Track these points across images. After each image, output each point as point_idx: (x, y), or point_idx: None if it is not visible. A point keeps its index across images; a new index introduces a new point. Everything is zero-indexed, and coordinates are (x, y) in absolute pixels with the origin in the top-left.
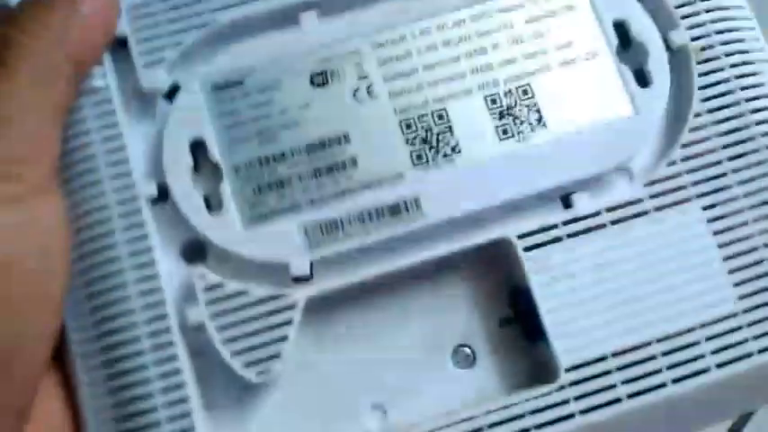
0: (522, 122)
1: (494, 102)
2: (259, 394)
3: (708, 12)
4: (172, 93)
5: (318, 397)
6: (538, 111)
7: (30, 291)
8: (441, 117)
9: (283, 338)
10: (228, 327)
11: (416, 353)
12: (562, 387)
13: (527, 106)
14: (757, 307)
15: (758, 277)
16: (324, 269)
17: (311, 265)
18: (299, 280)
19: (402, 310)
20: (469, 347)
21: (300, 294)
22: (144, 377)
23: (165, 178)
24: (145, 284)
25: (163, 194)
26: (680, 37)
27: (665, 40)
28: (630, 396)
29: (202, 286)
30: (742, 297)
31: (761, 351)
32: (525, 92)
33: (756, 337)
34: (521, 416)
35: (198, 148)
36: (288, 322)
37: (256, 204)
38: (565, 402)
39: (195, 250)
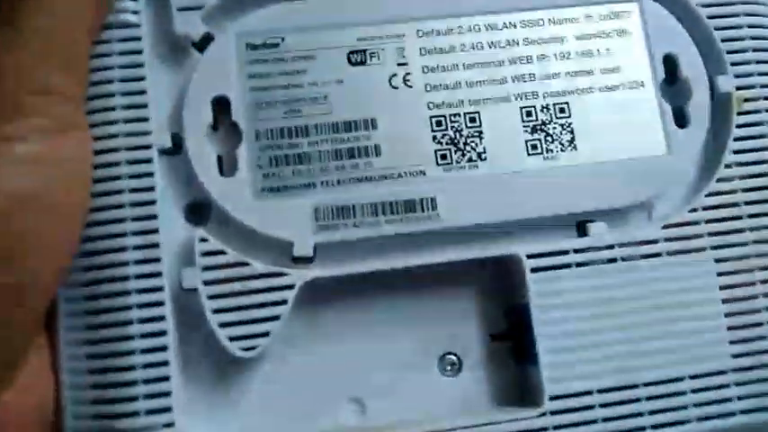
0: (553, 141)
1: (529, 114)
2: (238, 373)
3: (758, 63)
4: (204, 43)
5: (299, 384)
6: (571, 132)
7: (49, 226)
8: (473, 120)
9: (275, 318)
10: (222, 296)
11: (405, 354)
12: (543, 414)
13: (561, 125)
14: (748, 368)
15: (755, 339)
16: (326, 254)
17: (315, 247)
18: (299, 261)
19: (397, 309)
20: (456, 356)
21: (300, 275)
22: (126, 333)
23: (181, 130)
24: (143, 238)
25: (176, 147)
26: (727, 83)
27: (711, 84)
28: None
29: (202, 250)
30: (735, 356)
31: (743, 412)
32: (562, 110)
33: (741, 398)
34: None
35: (220, 105)
36: (283, 302)
37: (271, 175)
38: (543, 430)
39: (198, 211)
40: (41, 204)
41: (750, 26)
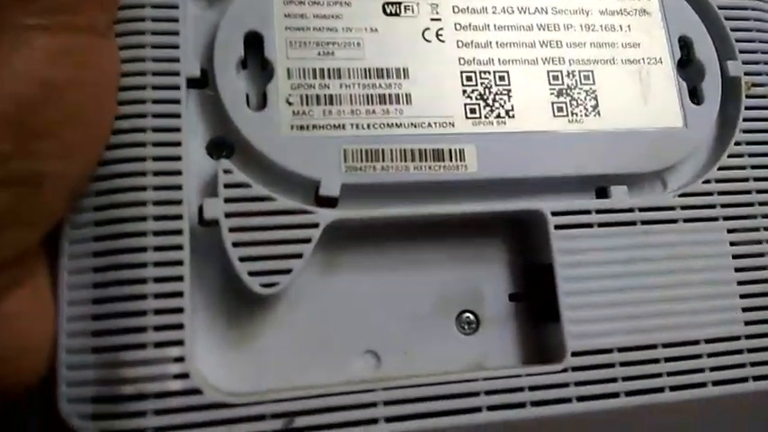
0: (578, 105)
1: (555, 78)
2: (254, 314)
3: (764, 53)
4: None
5: (315, 331)
6: (595, 98)
7: (77, 123)
8: (502, 78)
9: (298, 255)
10: (244, 230)
11: (423, 308)
12: (565, 370)
13: (586, 91)
14: (760, 335)
15: (767, 308)
16: (352, 197)
17: (341, 188)
18: (323, 201)
19: (417, 260)
20: (474, 314)
21: (325, 215)
22: (139, 260)
23: (211, 64)
24: (164, 164)
25: (204, 80)
26: (736, 68)
27: (721, 68)
28: (628, 394)
29: (226, 181)
30: (748, 323)
31: (756, 378)
32: (587, 77)
33: (754, 364)
34: (520, 389)
35: (253, 43)
36: (307, 240)
37: (300, 113)
38: (565, 385)
39: (222, 146)
40: (70, 98)
41: (756, 19)
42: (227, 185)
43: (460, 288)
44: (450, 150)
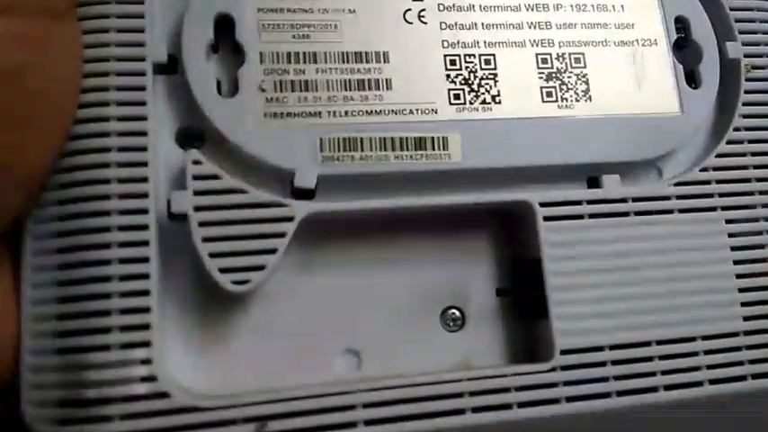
0: (568, 90)
1: (544, 61)
2: (227, 314)
3: (765, 34)
4: None
5: (291, 330)
6: (586, 82)
7: (38, 110)
8: (488, 62)
9: (272, 251)
10: (215, 224)
11: (406, 304)
12: (553, 369)
13: (576, 75)
14: (760, 332)
15: (766, 302)
16: (329, 188)
17: (317, 180)
18: (299, 193)
19: (400, 255)
20: (460, 310)
21: (301, 207)
22: (104, 257)
23: (179, 49)
24: (129, 155)
25: (172, 66)
26: (735, 50)
27: (720, 50)
28: (621, 393)
29: (195, 173)
30: (747, 318)
31: (755, 376)
32: (578, 60)
33: (753, 362)
34: (506, 389)
35: (224, 26)
36: (281, 234)
37: (274, 100)
38: (553, 385)
39: (191, 136)
40: (26, 85)
41: None
42: (196, 177)
43: (445, 283)
44: (433, 139)
